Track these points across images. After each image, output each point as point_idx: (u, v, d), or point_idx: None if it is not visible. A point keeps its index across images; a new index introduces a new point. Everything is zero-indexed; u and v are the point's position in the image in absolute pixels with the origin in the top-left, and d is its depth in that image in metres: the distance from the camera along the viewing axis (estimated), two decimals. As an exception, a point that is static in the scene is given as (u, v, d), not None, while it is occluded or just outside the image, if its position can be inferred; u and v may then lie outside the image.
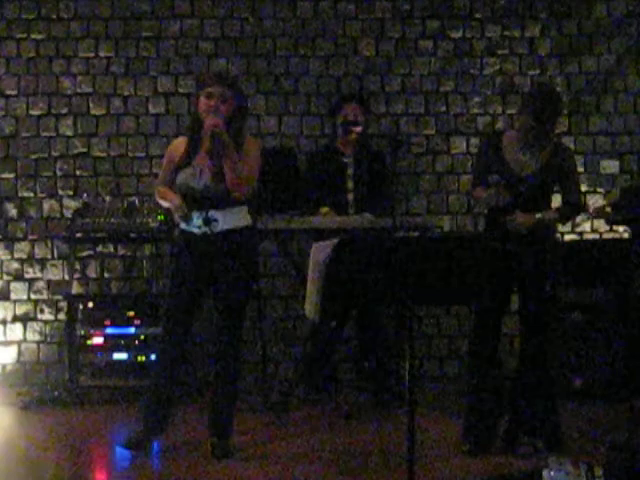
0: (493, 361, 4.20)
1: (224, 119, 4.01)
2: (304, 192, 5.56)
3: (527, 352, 4.18)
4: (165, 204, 4.23)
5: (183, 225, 4.11)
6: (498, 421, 4.18)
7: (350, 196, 5.46)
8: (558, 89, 6.31)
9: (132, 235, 5.51)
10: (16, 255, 6.07)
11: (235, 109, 4.09)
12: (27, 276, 6.07)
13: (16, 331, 6.03)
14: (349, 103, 5.51)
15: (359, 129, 5.38)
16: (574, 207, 4.27)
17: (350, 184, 5.48)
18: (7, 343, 6.03)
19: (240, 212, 4.10)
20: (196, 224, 4.05)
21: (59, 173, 6.11)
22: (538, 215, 4.13)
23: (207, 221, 4.00)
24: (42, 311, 6.06)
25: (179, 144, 4.22)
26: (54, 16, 6.13)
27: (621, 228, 6.03)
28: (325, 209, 5.28)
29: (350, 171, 5.49)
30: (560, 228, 6.31)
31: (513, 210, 4.10)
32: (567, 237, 6.30)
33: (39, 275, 6.08)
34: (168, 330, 4.15)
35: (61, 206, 6.09)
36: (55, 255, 6.08)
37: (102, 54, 6.16)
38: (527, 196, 4.11)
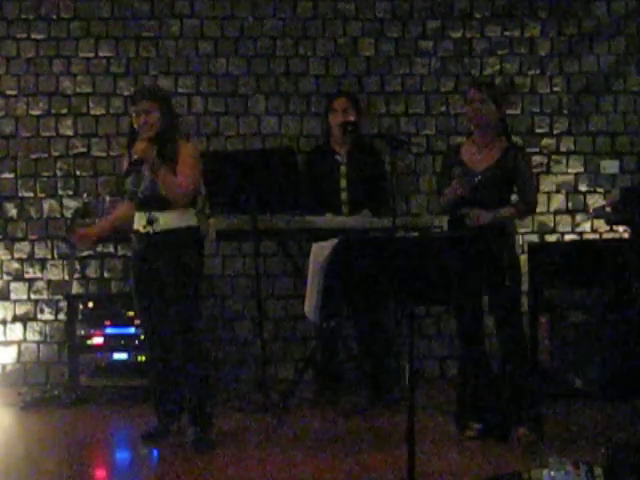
0: (483, 358, 4.45)
1: (153, 133, 4.30)
2: (301, 191, 5.56)
3: (505, 347, 4.35)
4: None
5: (135, 225, 4.44)
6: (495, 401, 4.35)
7: (344, 194, 5.46)
8: (558, 89, 6.35)
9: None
10: (16, 255, 6.07)
11: (164, 121, 4.33)
12: (27, 276, 6.07)
13: (16, 331, 6.03)
14: (338, 99, 5.52)
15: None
16: (528, 205, 4.48)
17: (344, 182, 5.47)
18: (7, 343, 6.02)
19: (183, 213, 4.36)
20: (141, 223, 4.36)
21: (59, 173, 6.11)
22: (494, 211, 4.33)
23: (150, 221, 4.32)
24: (42, 311, 6.05)
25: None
26: (54, 16, 6.13)
27: (621, 228, 6.03)
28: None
29: (344, 169, 5.49)
30: (560, 228, 6.32)
31: (471, 207, 4.34)
32: (567, 237, 6.30)
33: (39, 275, 6.07)
34: (146, 331, 4.49)
35: (61, 206, 6.09)
36: (55, 255, 6.08)
37: (102, 54, 6.16)
38: (482, 192, 4.32)
